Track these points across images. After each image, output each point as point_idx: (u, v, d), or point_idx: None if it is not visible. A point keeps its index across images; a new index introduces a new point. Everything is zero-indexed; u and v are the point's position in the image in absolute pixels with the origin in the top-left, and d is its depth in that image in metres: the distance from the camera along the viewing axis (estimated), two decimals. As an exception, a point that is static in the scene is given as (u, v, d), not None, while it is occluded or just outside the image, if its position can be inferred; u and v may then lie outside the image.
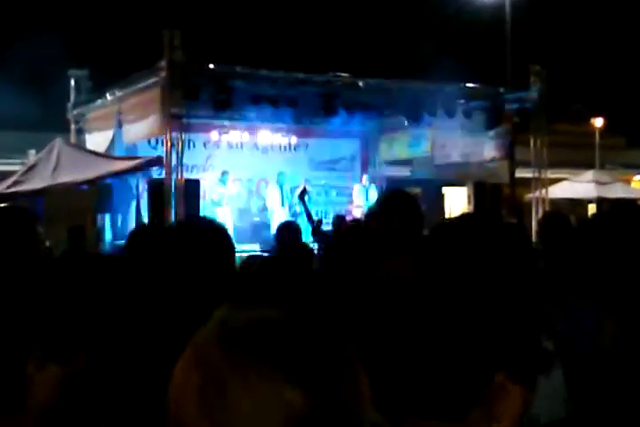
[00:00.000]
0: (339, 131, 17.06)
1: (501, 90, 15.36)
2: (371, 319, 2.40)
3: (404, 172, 18.51)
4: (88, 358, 1.98)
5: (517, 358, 1.33)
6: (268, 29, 32.73)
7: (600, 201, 21.09)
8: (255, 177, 16.69)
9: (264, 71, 13.34)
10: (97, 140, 14.99)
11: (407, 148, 17.11)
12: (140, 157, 13.99)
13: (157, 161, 13.02)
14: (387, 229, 3.19)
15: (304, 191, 7.85)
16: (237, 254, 2.40)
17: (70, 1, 31.16)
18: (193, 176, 13.96)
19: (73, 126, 16.14)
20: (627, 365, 2.55)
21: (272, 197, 16.09)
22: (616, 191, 21.23)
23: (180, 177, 12.22)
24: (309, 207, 9.68)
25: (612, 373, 2.62)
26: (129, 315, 2.14)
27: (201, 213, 12.92)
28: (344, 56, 26.46)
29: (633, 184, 26.48)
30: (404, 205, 3.29)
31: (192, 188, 12.69)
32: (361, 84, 13.92)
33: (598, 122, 29.48)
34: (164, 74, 12.03)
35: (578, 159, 25.40)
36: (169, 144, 12.12)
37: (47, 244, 8.92)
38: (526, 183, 15.85)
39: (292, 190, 15.93)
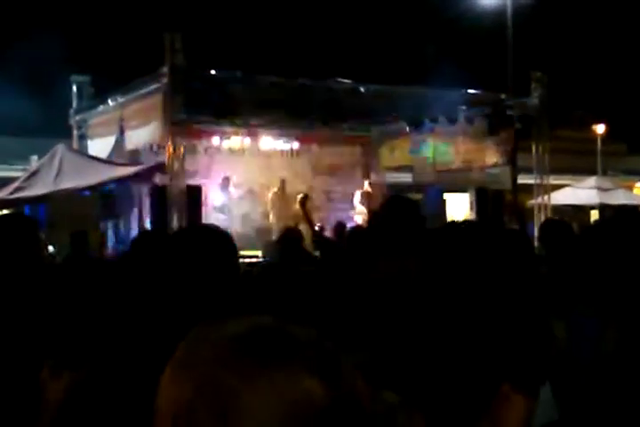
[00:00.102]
0: (340, 137, 17.08)
1: (503, 96, 15.39)
2: (372, 325, 2.40)
3: (405, 178, 18.50)
4: (95, 364, 1.98)
5: (521, 368, 1.33)
6: (270, 35, 32.80)
7: (602, 207, 21.07)
8: (257, 183, 16.70)
9: (266, 77, 13.37)
10: (99, 146, 15.00)
11: (409, 154, 17.11)
12: (142, 163, 14.02)
13: (159, 167, 13.03)
14: (388, 235, 3.19)
15: (305, 197, 7.85)
16: (240, 260, 2.40)
17: (73, 7, 31.23)
18: (195, 182, 13.97)
19: (75, 132, 16.17)
20: (628, 371, 2.55)
21: (274, 202, 16.10)
22: (618, 198, 21.22)
23: (181, 183, 12.23)
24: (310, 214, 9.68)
25: (613, 379, 2.62)
26: (133, 321, 2.14)
27: (203, 219, 12.94)
28: (346, 62, 26.51)
29: (635, 191, 26.45)
30: (406, 211, 3.29)
31: (194, 193, 12.70)
32: (362, 89, 13.93)
33: (600, 128, 29.50)
34: (165, 80, 12.06)
35: (580, 166, 25.40)
36: (171, 150, 12.14)
37: (50, 250, 8.93)
38: (528, 190, 15.85)
39: (294, 197, 15.93)
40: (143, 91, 12.91)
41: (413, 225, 3.14)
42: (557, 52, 33.45)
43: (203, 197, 13.63)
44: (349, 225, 12.25)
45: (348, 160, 18.04)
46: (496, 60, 24.56)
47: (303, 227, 9.37)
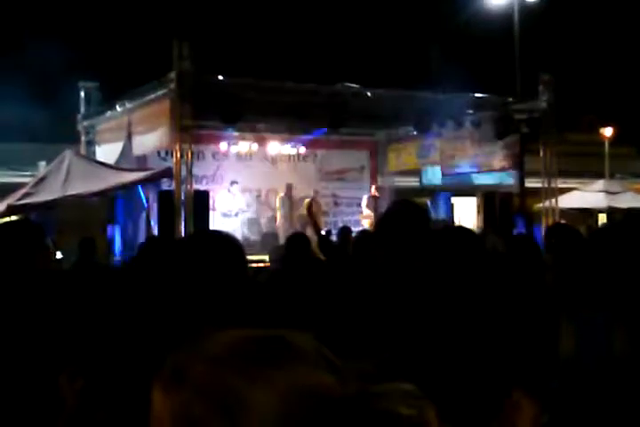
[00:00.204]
0: (347, 141, 17.10)
1: (510, 99, 15.36)
2: (379, 330, 2.40)
3: (412, 182, 18.49)
4: (104, 371, 1.99)
5: (530, 373, 1.32)
6: (277, 41, 32.87)
7: (611, 211, 21.01)
8: (264, 188, 16.73)
9: (273, 82, 13.40)
10: (107, 152, 15.05)
11: (416, 158, 17.12)
12: (149, 169, 14.06)
13: (167, 172, 13.06)
14: (395, 239, 3.19)
15: (312, 202, 7.84)
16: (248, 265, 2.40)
17: (81, 14, 31.38)
18: (202, 187, 14.00)
19: (83, 138, 16.22)
20: (638, 373, 2.53)
21: (281, 207, 16.13)
22: (627, 201, 21.14)
23: (189, 188, 12.25)
24: (317, 218, 9.68)
25: (623, 380, 2.60)
26: (140, 327, 2.14)
27: (210, 224, 12.95)
28: (352, 66, 26.52)
29: (643, 193, 26.34)
30: (413, 215, 3.29)
31: (201, 199, 12.72)
32: (369, 94, 13.95)
33: (608, 131, 29.42)
34: (173, 86, 12.09)
35: (588, 169, 25.33)
36: (178, 155, 12.17)
37: (57, 256, 8.95)
38: (536, 193, 15.81)
39: (301, 201, 15.94)
40: (151, 96, 12.95)
41: (420, 230, 3.13)
42: (565, 55, 33.40)
43: (210, 203, 13.65)
44: (356, 229, 12.25)
45: (354, 164, 18.05)
46: (503, 63, 24.55)
47: (310, 231, 9.38)
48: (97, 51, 29.10)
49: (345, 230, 8.64)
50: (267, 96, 13.13)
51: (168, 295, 2.13)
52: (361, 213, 16.94)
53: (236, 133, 15.70)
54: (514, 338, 1.43)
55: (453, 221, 16.52)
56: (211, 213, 13.49)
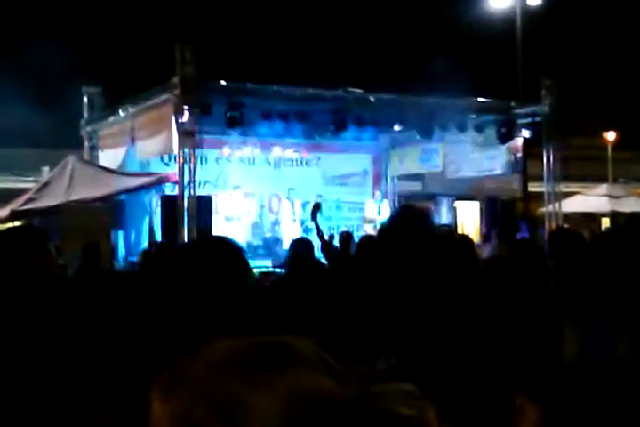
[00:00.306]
0: (350, 146, 17.12)
1: (513, 104, 15.37)
2: (386, 332, 2.40)
3: (415, 186, 18.50)
4: (108, 373, 1.99)
5: (534, 378, 1.33)
6: (280, 45, 32.92)
7: (614, 215, 20.98)
8: (267, 192, 16.74)
9: (275, 87, 13.41)
10: (110, 157, 15.07)
11: (419, 162, 17.12)
12: (152, 174, 14.08)
13: (170, 177, 13.08)
14: (398, 244, 3.19)
15: (317, 207, 7.82)
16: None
17: (83, 19, 31.47)
18: (205, 192, 14.01)
19: (86, 143, 16.25)
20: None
21: (284, 212, 16.14)
22: (630, 205, 21.13)
23: (192, 193, 12.26)
24: (321, 223, 9.61)
25: (625, 384, 2.60)
26: (143, 331, 2.14)
27: (213, 229, 12.97)
28: (355, 71, 26.54)
29: (646, 198, 26.31)
30: (416, 220, 3.29)
31: (205, 203, 12.73)
32: (372, 98, 13.96)
33: (611, 135, 29.41)
34: (176, 91, 12.11)
35: (591, 173, 25.31)
36: (181, 160, 12.18)
37: (60, 261, 8.95)
38: (539, 198, 15.80)
39: (304, 206, 15.95)
40: (154, 101, 12.97)
41: (424, 235, 3.14)
42: (567, 59, 33.41)
43: (213, 207, 13.66)
44: (359, 234, 12.26)
45: (357, 169, 18.06)
46: (506, 67, 24.54)
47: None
48: (100, 56, 29.17)
49: (346, 235, 8.63)
50: (270, 101, 13.15)
51: (171, 301, 2.13)
52: (364, 217, 16.94)
53: (239, 138, 15.72)
54: (517, 342, 1.43)
55: (456, 226, 16.52)
56: (214, 217, 13.50)
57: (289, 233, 14.95)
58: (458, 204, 17.22)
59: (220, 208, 15.41)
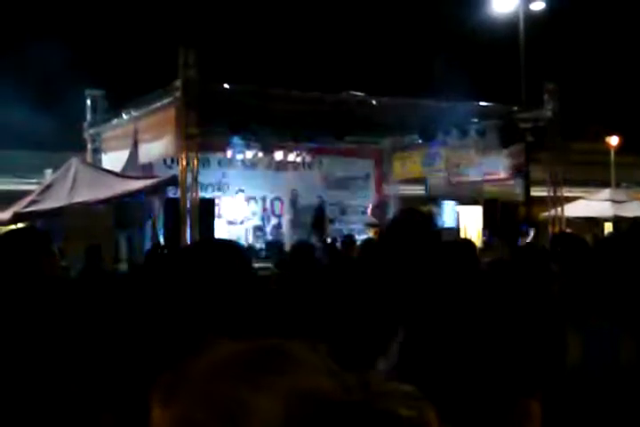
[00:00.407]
0: (352, 149, 17.12)
1: (515, 108, 15.37)
2: (389, 335, 2.40)
3: (418, 190, 18.50)
4: (110, 375, 2.00)
5: (537, 382, 1.33)
6: (283, 49, 32.96)
7: (616, 220, 20.96)
8: (269, 195, 16.74)
9: (278, 90, 13.43)
10: (113, 160, 15.10)
11: (421, 166, 17.13)
12: (155, 177, 14.09)
13: (173, 180, 13.09)
14: (401, 248, 3.19)
15: (322, 211, 7.83)
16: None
17: (86, 22, 31.53)
18: (208, 195, 14.03)
19: (89, 146, 16.28)
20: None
21: (286, 215, 16.15)
22: (632, 210, 21.09)
23: (195, 196, 12.27)
24: (323, 226, 9.66)
25: (629, 390, 2.60)
26: (145, 334, 2.15)
27: (216, 232, 12.97)
28: (358, 75, 26.57)
29: (649, 203, 26.27)
30: (419, 224, 3.29)
31: (207, 206, 12.74)
32: (374, 102, 13.97)
33: (614, 140, 29.39)
34: (179, 94, 12.13)
35: (593, 178, 25.30)
36: (184, 163, 12.19)
37: (63, 263, 8.96)
38: (542, 202, 15.79)
39: (307, 209, 15.96)
40: (157, 104, 12.99)
41: (427, 238, 3.14)
42: (570, 64, 33.42)
43: (216, 210, 13.66)
44: (361, 237, 12.25)
45: (360, 172, 18.07)
46: (508, 72, 24.56)
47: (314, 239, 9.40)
48: (103, 59, 29.23)
49: (348, 239, 8.65)
50: (272, 104, 13.16)
51: (174, 303, 2.13)
52: (366, 221, 16.94)
53: (241, 141, 15.74)
54: (521, 347, 1.43)
55: (459, 230, 16.51)
56: (216, 220, 13.50)
57: (291, 236, 14.96)
58: (460, 208, 17.20)
59: (223, 211, 15.42)
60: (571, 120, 17.66)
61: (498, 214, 15.06)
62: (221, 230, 14.30)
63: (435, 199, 17.03)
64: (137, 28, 30.75)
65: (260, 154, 16.42)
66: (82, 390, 2.33)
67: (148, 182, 13.55)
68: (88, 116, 16.19)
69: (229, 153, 16.10)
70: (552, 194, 15.21)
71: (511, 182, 16.36)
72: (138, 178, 13.99)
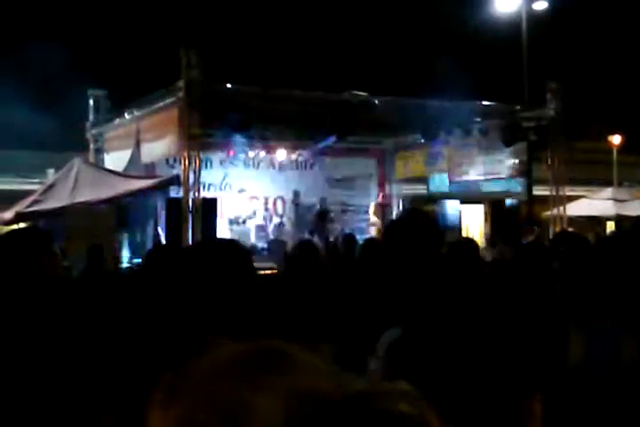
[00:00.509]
0: (355, 149, 17.12)
1: (518, 107, 15.36)
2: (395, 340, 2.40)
3: (420, 189, 18.49)
4: (111, 375, 2.00)
5: (540, 381, 1.33)
6: (285, 49, 32.96)
7: (619, 219, 20.95)
8: (272, 195, 16.75)
9: (280, 90, 13.43)
10: (115, 160, 15.11)
11: (423, 165, 17.12)
12: (157, 176, 14.10)
13: (175, 180, 13.10)
14: (404, 248, 3.19)
15: (325, 211, 7.80)
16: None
17: (90, 22, 31.55)
18: (210, 194, 14.04)
19: (92, 146, 16.29)
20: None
21: (288, 215, 16.15)
22: (635, 209, 21.08)
23: (197, 195, 12.28)
24: (327, 226, 9.65)
25: (630, 389, 2.59)
26: (147, 333, 2.15)
27: (218, 231, 12.98)
28: (360, 75, 26.57)
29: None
30: (422, 223, 3.29)
31: (209, 206, 12.74)
32: (377, 102, 13.96)
33: (616, 139, 29.38)
34: (181, 94, 12.14)
35: (596, 177, 25.29)
36: (186, 163, 12.20)
37: (65, 263, 8.97)
38: (544, 201, 15.78)
39: (309, 209, 15.97)
40: (159, 104, 13.00)
41: (430, 238, 3.14)
42: (572, 63, 33.37)
43: (218, 210, 13.67)
44: (363, 237, 12.25)
45: (362, 172, 18.07)
46: (511, 71, 24.53)
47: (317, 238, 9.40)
48: (106, 59, 29.24)
49: (349, 238, 8.63)
50: (274, 104, 13.17)
51: (176, 303, 2.13)
52: (368, 220, 16.94)
53: (243, 141, 15.74)
54: (523, 347, 1.43)
55: (461, 229, 16.51)
56: (218, 220, 13.51)
57: (293, 236, 14.96)
58: (463, 207, 17.18)
59: (225, 211, 15.42)
60: (573, 119, 17.63)
61: (504, 215, 15.06)
62: (223, 230, 14.31)
63: (437, 199, 17.02)
64: (139, 28, 30.77)
65: (263, 153, 16.42)
66: (84, 391, 2.33)
67: (151, 182, 13.56)
68: (90, 116, 16.21)
69: (232, 153, 16.11)
70: (554, 193, 15.20)
71: (513, 181, 16.34)
72: (140, 178, 14.00)
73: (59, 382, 2.39)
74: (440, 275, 2.45)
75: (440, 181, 17.04)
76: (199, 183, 12.34)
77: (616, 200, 22.21)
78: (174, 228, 12.16)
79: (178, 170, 13.28)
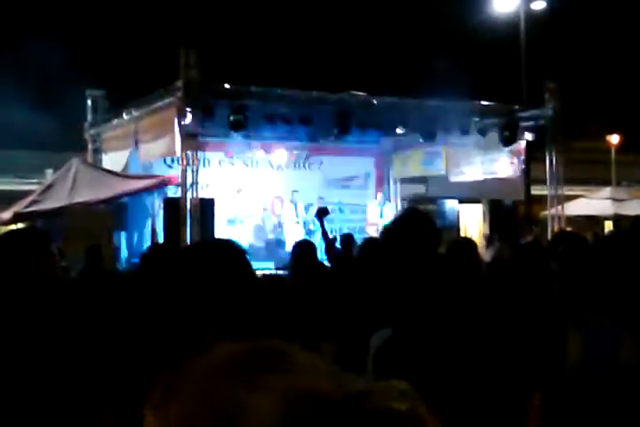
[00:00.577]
0: (353, 148, 17.12)
1: (516, 107, 15.36)
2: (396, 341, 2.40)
3: (418, 189, 18.49)
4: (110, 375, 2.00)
5: (539, 380, 1.33)
6: (283, 48, 32.97)
7: (617, 218, 20.97)
8: (270, 195, 16.74)
9: (279, 90, 13.43)
10: (113, 160, 15.10)
11: (422, 165, 17.11)
12: (155, 176, 14.10)
13: (173, 180, 13.11)
14: (403, 247, 3.19)
15: (323, 210, 7.78)
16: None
17: (88, 22, 31.56)
18: (208, 194, 14.02)
19: (90, 146, 16.28)
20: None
21: (287, 214, 16.14)
22: (633, 208, 21.11)
23: (195, 195, 12.27)
24: (325, 226, 9.58)
25: (628, 388, 2.59)
26: (145, 333, 2.15)
27: (216, 231, 12.98)
28: (358, 74, 26.59)
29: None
30: (420, 223, 3.29)
31: (207, 206, 12.74)
32: (375, 102, 13.96)
33: (614, 139, 29.41)
34: (179, 94, 12.14)
35: (594, 176, 25.32)
36: (184, 163, 12.20)
37: (63, 263, 8.97)
38: (542, 201, 15.79)
39: (307, 208, 15.96)
40: (158, 104, 12.99)
41: (428, 238, 3.14)
42: (571, 62, 33.40)
43: (216, 210, 13.66)
44: (361, 237, 12.25)
45: (360, 172, 18.06)
46: (509, 71, 24.56)
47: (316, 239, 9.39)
48: (104, 59, 29.24)
49: (347, 237, 8.62)
50: (273, 104, 13.17)
51: (174, 303, 2.13)
52: (366, 220, 16.93)
53: (242, 141, 15.73)
54: (522, 346, 1.44)
55: (459, 229, 16.51)
56: (216, 220, 13.50)
57: (292, 235, 14.95)
58: (461, 206, 17.18)
59: (223, 211, 15.41)
60: (571, 119, 17.64)
61: (503, 215, 15.07)
62: (221, 230, 14.30)
63: (435, 198, 17.01)
64: (138, 28, 30.77)
65: (261, 153, 16.41)
66: (83, 391, 2.33)
67: (148, 182, 13.56)
68: (89, 117, 16.19)
69: (230, 153, 16.10)
70: (553, 192, 15.21)
71: (512, 181, 16.35)
72: (138, 178, 14.00)
73: (58, 382, 2.39)
74: (437, 275, 2.45)
75: (438, 181, 17.04)
76: (197, 183, 12.34)
77: (614, 200, 22.24)
78: (172, 228, 12.15)
79: (176, 170, 13.28)
